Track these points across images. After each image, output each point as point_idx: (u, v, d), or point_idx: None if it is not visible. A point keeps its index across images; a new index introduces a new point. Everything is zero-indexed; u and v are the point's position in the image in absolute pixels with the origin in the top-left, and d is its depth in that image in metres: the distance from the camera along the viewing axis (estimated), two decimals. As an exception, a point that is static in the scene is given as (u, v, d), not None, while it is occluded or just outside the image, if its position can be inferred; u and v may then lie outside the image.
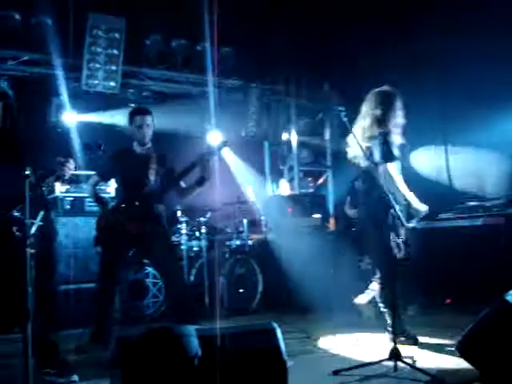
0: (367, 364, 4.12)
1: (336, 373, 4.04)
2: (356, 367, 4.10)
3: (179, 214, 7.27)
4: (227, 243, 7.80)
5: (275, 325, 3.13)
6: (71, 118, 7.82)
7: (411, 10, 7.76)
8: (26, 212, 3.09)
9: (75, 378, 4.12)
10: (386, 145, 4.80)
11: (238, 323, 6.21)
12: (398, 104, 4.97)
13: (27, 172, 3.08)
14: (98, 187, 5.37)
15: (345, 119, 4.41)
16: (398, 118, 4.95)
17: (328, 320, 6.23)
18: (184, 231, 7.27)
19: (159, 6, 7.91)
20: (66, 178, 4.18)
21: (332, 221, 9.00)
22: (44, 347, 4.06)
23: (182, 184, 5.12)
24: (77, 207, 6.58)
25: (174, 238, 7.16)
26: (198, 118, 8.79)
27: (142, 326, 6.20)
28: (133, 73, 8.33)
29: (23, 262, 3.22)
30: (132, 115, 5.20)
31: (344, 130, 5.03)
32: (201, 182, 4.96)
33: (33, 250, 6.39)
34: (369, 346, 4.96)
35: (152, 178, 5.06)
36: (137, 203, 4.92)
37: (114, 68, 7.80)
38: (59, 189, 6.53)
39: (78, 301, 6.35)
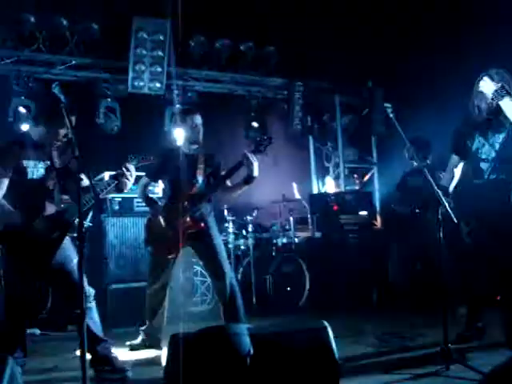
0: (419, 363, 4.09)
1: (387, 371, 4.02)
2: (407, 366, 4.06)
3: (226, 212, 7.31)
4: (274, 241, 7.82)
5: (326, 323, 3.13)
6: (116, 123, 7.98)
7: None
8: (79, 214, 3.15)
9: (129, 373, 4.23)
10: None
11: (285, 321, 6.28)
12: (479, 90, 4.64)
13: (81, 176, 3.15)
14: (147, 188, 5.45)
15: (391, 115, 4.36)
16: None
17: (378, 319, 6.18)
18: (231, 230, 7.32)
19: (203, 7, 7.98)
20: (126, 190, 4.28)
21: (379, 218, 8.94)
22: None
23: (228, 183, 5.15)
24: (125, 208, 6.67)
25: (221, 237, 7.23)
26: (242, 117, 8.85)
27: (190, 325, 6.28)
28: (177, 74, 8.41)
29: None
30: (184, 115, 5.26)
31: (391, 126, 4.96)
32: (248, 180, 4.98)
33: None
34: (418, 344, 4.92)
35: (200, 178, 5.11)
36: (185, 203, 4.98)
37: (159, 69, 7.91)
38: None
39: (126, 299, 6.42)
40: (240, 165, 4.99)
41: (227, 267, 5.10)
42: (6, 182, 3.99)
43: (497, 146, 4.62)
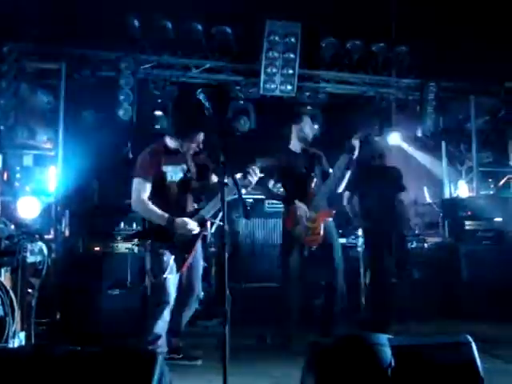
0: None
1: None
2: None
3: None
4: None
5: (470, 338, 3.00)
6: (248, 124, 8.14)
7: None
8: (224, 217, 3.24)
9: (199, 362, 4.67)
10: None
11: (416, 329, 6.09)
12: None
13: (226, 180, 3.25)
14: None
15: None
16: None
17: None
18: (360, 233, 7.21)
19: (333, 8, 7.95)
20: (250, 188, 4.50)
21: (515, 225, 8.49)
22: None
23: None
24: (256, 209, 6.79)
25: (350, 240, 7.20)
26: (375, 118, 8.73)
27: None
28: (308, 76, 8.45)
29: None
30: (301, 115, 5.62)
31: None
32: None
33: (213, 249, 6.81)
34: None
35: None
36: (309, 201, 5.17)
37: (290, 72, 7.99)
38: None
39: (256, 299, 6.49)
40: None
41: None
42: (149, 185, 4.43)
43: None
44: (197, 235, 4.48)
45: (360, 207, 6.22)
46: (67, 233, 6.85)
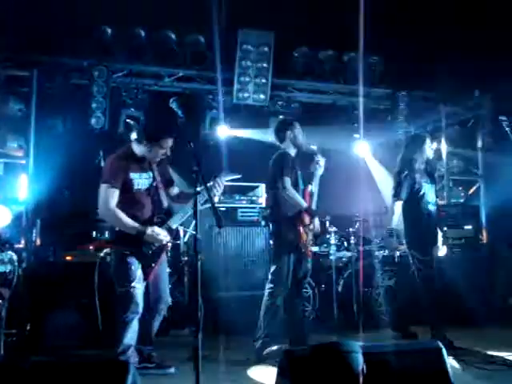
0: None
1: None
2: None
3: (328, 224, 7.27)
4: (376, 254, 7.68)
5: (441, 344, 3.05)
6: (224, 132, 8.16)
7: None
8: (196, 225, 3.24)
9: (172, 370, 4.63)
10: None
11: (386, 335, 6.16)
12: None
13: (198, 189, 3.25)
14: None
15: (507, 128, 4.23)
16: None
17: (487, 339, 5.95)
18: (333, 241, 7.25)
19: (306, 18, 8.02)
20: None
21: (485, 233, 8.63)
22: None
23: None
24: (230, 217, 6.78)
25: (322, 248, 7.24)
26: (346, 127, 8.80)
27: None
28: (281, 85, 8.50)
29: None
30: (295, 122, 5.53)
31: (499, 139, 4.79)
32: None
33: (186, 258, 6.77)
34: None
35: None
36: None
37: (263, 81, 8.03)
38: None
39: (229, 308, 6.47)
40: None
41: None
42: (117, 192, 4.36)
43: None
44: (164, 244, 4.48)
45: (404, 214, 5.82)
46: (38, 242, 6.77)
